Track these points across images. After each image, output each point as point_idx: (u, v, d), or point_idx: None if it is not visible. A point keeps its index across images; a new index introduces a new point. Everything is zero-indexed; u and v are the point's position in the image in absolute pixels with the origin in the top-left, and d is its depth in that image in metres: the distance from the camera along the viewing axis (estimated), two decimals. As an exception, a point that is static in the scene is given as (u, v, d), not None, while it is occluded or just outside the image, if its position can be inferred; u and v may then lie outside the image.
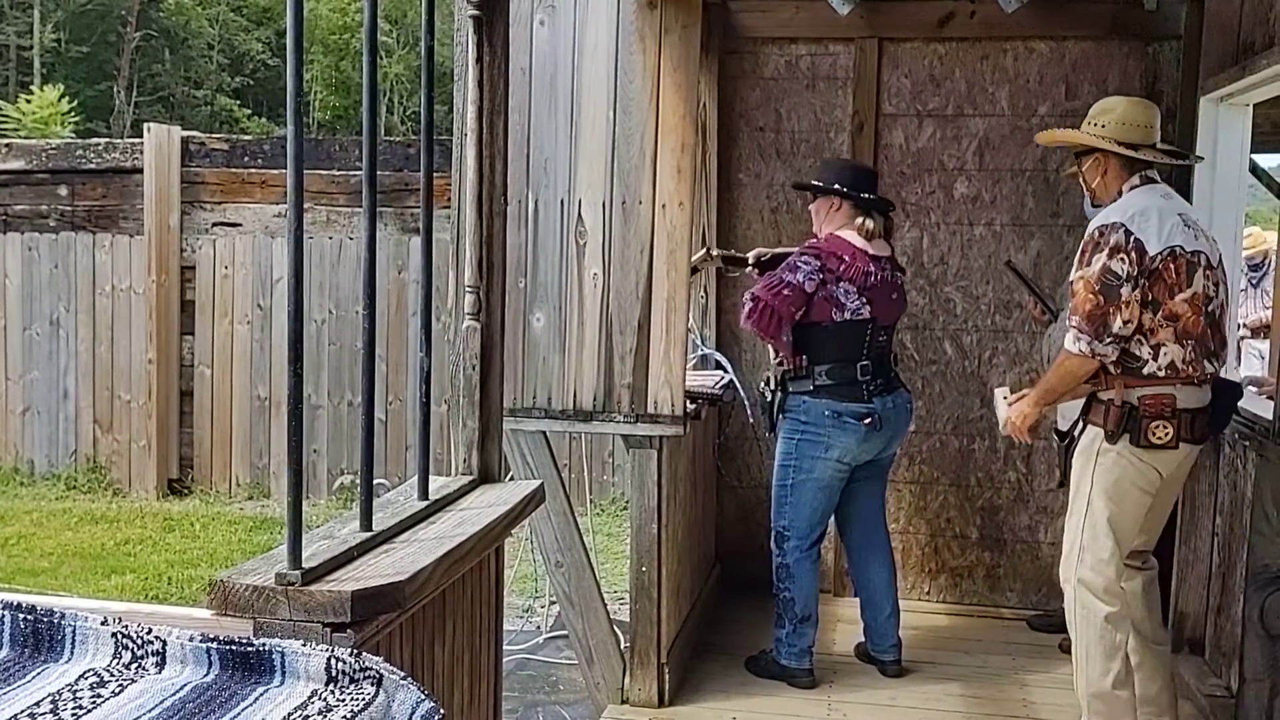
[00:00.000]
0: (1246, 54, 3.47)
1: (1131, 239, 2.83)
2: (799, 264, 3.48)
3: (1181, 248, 2.87)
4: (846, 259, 3.47)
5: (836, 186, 3.57)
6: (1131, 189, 3.00)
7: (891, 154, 4.40)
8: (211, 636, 1.27)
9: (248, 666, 1.28)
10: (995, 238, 4.39)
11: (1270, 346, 3.15)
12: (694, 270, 3.96)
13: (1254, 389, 3.63)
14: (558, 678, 4.01)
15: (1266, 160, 6.51)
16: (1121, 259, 2.82)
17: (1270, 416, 2.99)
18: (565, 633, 3.69)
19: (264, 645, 1.27)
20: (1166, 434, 2.88)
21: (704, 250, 4.03)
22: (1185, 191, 3.90)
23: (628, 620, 3.50)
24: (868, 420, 3.51)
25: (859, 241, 3.52)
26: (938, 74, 4.37)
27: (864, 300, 3.48)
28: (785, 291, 3.45)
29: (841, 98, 4.44)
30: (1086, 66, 4.27)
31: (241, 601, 1.36)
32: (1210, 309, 2.93)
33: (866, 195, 3.56)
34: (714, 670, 3.80)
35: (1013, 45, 4.32)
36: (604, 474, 7.15)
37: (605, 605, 3.56)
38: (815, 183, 3.69)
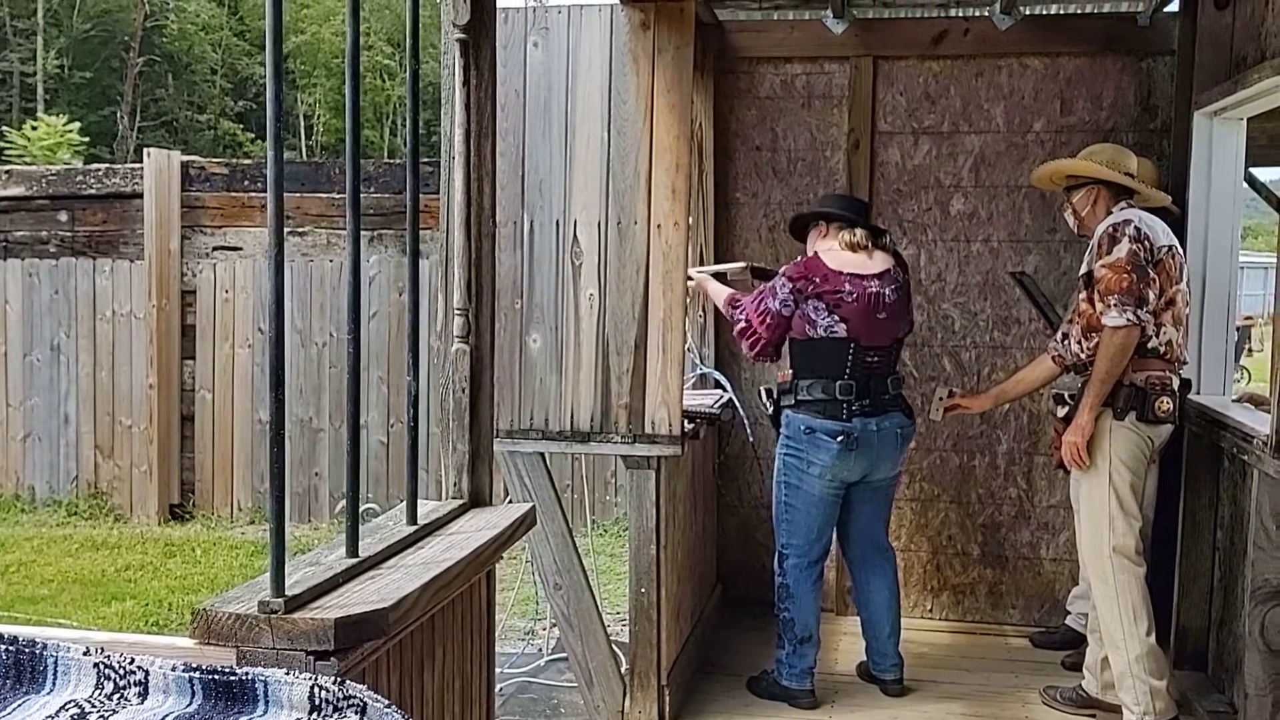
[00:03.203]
0: (1239, 68, 3.47)
1: (1142, 233, 3.25)
2: (777, 289, 3.51)
3: (1175, 249, 3.34)
4: (817, 279, 3.47)
5: (818, 209, 3.64)
6: (1119, 209, 3.40)
7: (888, 171, 4.40)
8: (194, 666, 1.26)
9: (230, 696, 1.26)
10: (992, 254, 4.38)
11: (1270, 363, 3.16)
12: (724, 277, 3.99)
13: (1250, 405, 3.62)
14: (559, 700, 3.98)
15: (1265, 174, 6.49)
16: (1139, 246, 3.23)
17: (1269, 431, 2.97)
18: (566, 655, 3.66)
19: (247, 674, 1.26)
20: (1169, 409, 3.29)
21: (740, 264, 4.05)
22: (1180, 204, 3.91)
23: (628, 642, 3.48)
24: (840, 439, 3.47)
25: (837, 261, 3.48)
26: (933, 91, 4.38)
27: (837, 318, 3.45)
28: (768, 320, 3.50)
29: (837, 116, 4.45)
30: (1081, 82, 4.28)
31: (224, 630, 1.35)
32: (1188, 311, 3.43)
33: (849, 215, 3.57)
34: (715, 691, 3.77)
35: (1007, 62, 4.32)
36: (606, 494, 7.12)
37: (605, 627, 3.54)
38: (799, 213, 3.76)
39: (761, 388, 3.80)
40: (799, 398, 3.53)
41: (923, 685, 3.81)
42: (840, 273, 3.47)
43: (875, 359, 3.53)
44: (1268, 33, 3.25)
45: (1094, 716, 3.54)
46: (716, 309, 4.12)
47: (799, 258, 3.66)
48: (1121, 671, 3.29)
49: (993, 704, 3.70)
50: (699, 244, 4.45)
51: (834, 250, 3.54)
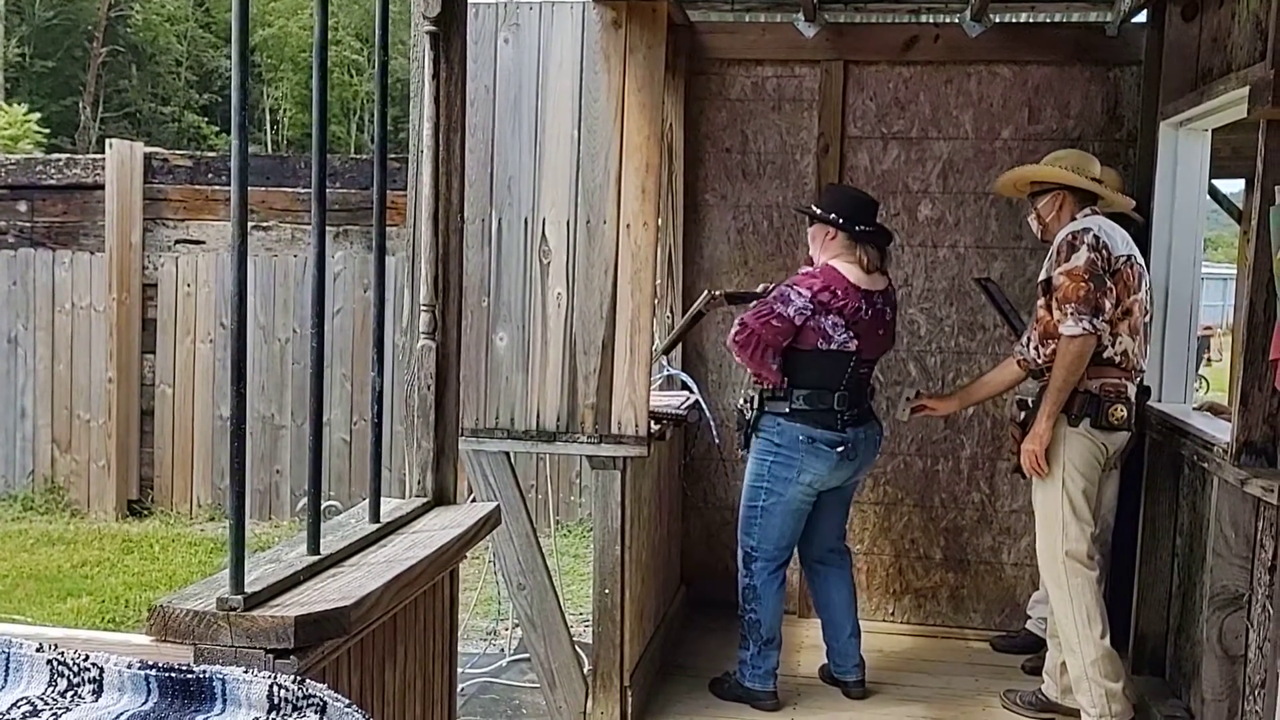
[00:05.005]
0: (1205, 80, 3.52)
1: (1100, 241, 3.27)
2: (791, 296, 3.45)
3: (1135, 258, 3.36)
4: (839, 294, 3.44)
5: (832, 216, 3.53)
6: (1084, 215, 3.43)
7: (856, 176, 4.42)
8: (150, 663, 1.23)
9: (187, 694, 1.24)
10: (959, 260, 4.42)
11: (1229, 374, 3.21)
12: (699, 315, 3.95)
13: (1211, 414, 3.67)
14: (520, 701, 3.95)
15: (1227, 186, 6.60)
16: (1096, 255, 3.25)
17: (1229, 439, 3.01)
18: (528, 655, 3.64)
19: (204, 672, 1.24)
20: (1123, 416, 3.32)
21: (706, 293, 3.94)
22: (1145, 214, 3.95)
23: (591, 643, 3.47)
24: (840, 449, 3.51)
25: (854, 275, 3.49)
26: (902, 97, 4.41)
27: (851, 334, 3.46)
28: (775, 322, 3.45)
29: (807, 120, 4.46)
30: (1049, 91, 4.32)
31: (181, 627, 1.32)
32: (1146, 320, 3.44)
33: (862, 228, 3.51)
34: (678, 693, 3.77)
35: (976, 69, 4.36)
36: (571, 494, 7.10)
37: (568, 628, 3.52)
38: (813, 209, 3.66)
39: (749, 392, 3.73)
40: (794, 406, 3.52)
41: (884, 688, 3.83)
42: (858, 289, 3.48)
43: (865, 371, 3.60)
44: (1233, 45, 3.30)
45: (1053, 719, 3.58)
46: (684, 310, 4.13)
47: (805, 268, 3.61)
48: (1078, 675, 3.32)
49: (953, 707, 3.73)
50: (668, 246, 4.45)
51: (848, 264, 3.51)
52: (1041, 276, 3.42)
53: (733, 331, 3.53)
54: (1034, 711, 3.63)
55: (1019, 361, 3.58)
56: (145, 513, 7.24)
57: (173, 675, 1.23)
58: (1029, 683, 3.80)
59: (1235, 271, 7.67)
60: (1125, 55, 4.24)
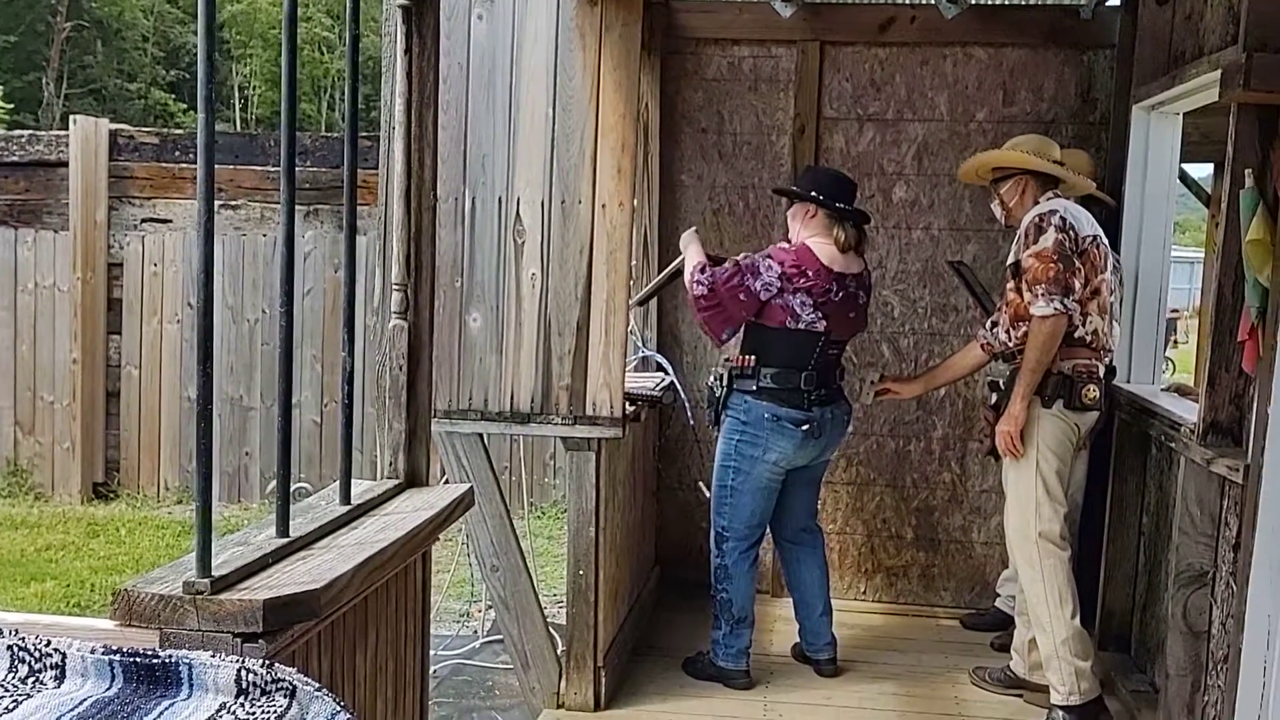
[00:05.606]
0: (1177, 64, 3.53)
1: (1067, 223, 3.29)
2: (761, 268, 3.44)
3: (1100, 238, 3.39)
4: (810, 274, 3.44)
5: (813, 194, 3.52)
6: (1047, 198, 3.45)
7: (832, 158, 4.41)
8: (115, 648, 1.21)
9: (153, 679, 1.22)
10: (933, 242, 4.42)
11: (1196, 356, 3.25)
12: (678, 273, 3.89)
13: (1178, 395, 3.70)
14: (494, 682, 3.95)
15: (1196, 170, 6.64)
16: (1064, 236, 3.27)
17: (1196, 419, 3.04)
18: (501, 637, 3.63)
19: (170, 657, 1.21)
20: (1095, 396, 3.34)
21: (672, 267, 3.88)
22: (1117, 198, 3.97)
23: (565, 624, 3.46)
24: (805, 427, 3.51)
25: (828, 256, 3.48)
26: (878, 78, 4.39)
27: (819, 315, 3.46)
28: (741, 296, 3.43)
29: (783, 100, 4.45)
30: (1024, 73, 4.32)
31: (147, 611, 1.30)
32: (1114, 300, 3.48)
33: (841, 205, 3.51)
34: (652, 672, 3.77)
35: (952, 51, 4.35)
36: (545, 476, 7.09)
37: (542, 609, 3.51)
38: (793, 189, 3.66)
39: (718, 370, 3.73)
40: (760, 385, 3.51)
41: (856, 665, 3.86)
42: (830, 270, 3.47)
43: (834, 352, 3.60)
44: (1206, 29, 3.31)
45: (1021, 696, 3.61)
46: (662, 281, 4.07)
47: (782, 243, 3.61)
48: (1049, 654, 3.35)
49: (924, 684, 3.76)
50: (643, 226, 4.43)
51: (825, 244, 3.50)
52: (1010, 260, 3.43)
53: (699, 290, 3.46)
54: (1002, 688, 3.66)
55: (983, 345, 3.59)
56: (111, 496, 7.16)
57: (138, 660, 1.21)
58: (998, 660, 3.83)
59: (1202, 255, 7.75)
60: (1099, 38, 4.24)
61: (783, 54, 4.44)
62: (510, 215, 3.34)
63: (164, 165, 7.16)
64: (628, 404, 3.43)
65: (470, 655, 4.13)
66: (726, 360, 3.64)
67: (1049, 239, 3.26)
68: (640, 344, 4.43)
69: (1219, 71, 2.94)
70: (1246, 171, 2.82)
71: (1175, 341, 14.94)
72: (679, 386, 4.19)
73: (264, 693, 1.19)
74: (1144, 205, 3.94)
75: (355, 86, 1.70)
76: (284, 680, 1.19)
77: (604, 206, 3.29)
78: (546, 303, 3.33)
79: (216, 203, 7.28)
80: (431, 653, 1.91)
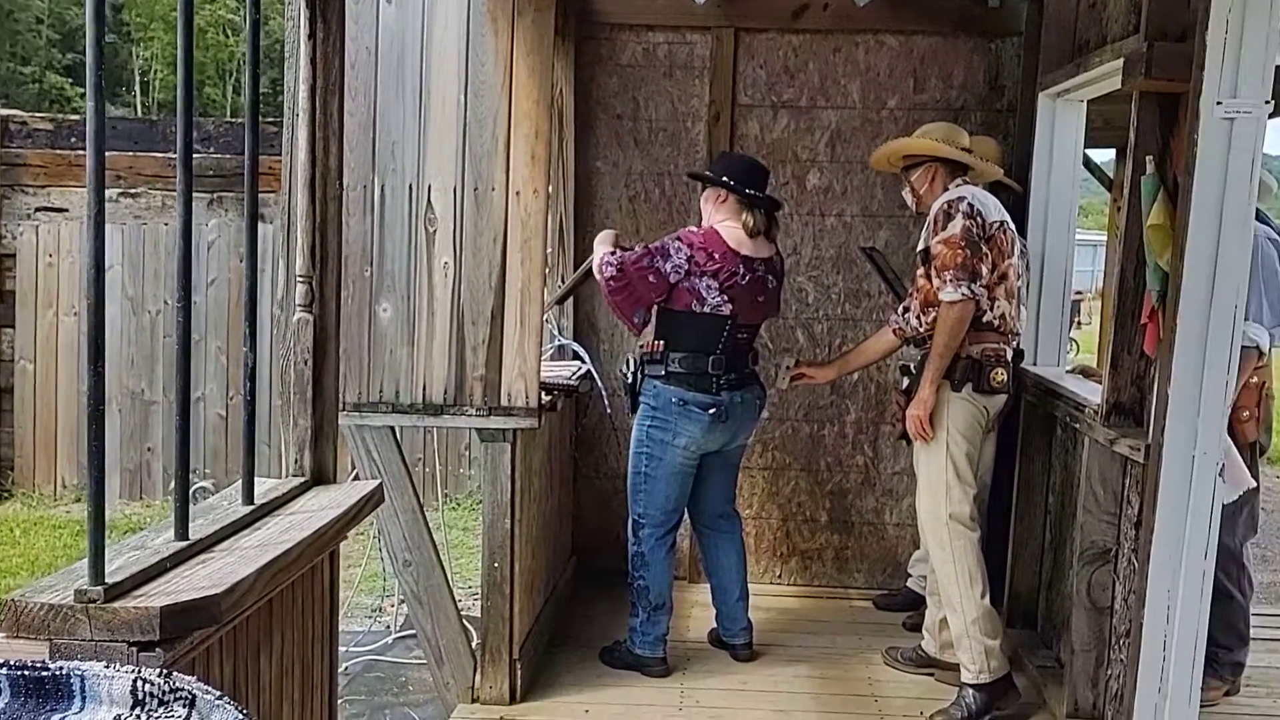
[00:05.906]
0: (1081, 52, 3.61)
1: (975, 209, 3.35)
2: (671, 250, 3.45)
3: (1007, 223, 3.44)
4: (716, 256, 3.45)
5: (724, 179, 3.53)
6: (956, 185, 3.51)
7: (747, 144, 4.42)
8: (1, 661, 1.15)
9: (42, 693, 1.16)
10: (846, 228, 4.47)
11: (1099, 338, 3.33)
12: (590, 272, 3.84)
13: (1082, 377, 3.80)
14: (407, 678, 3.90)
15: (1099, 155, 6.83)
16: (971, 222, 3.33)
17: (1099, 401, 3.12)
18: (415, 632, 3.58)
19: (61, 669, 1.16)
20: (1003, 379, 3.41)
21: (585, 267, 3.84)
22: (1023, 184, 4.06)
23: (480, 617, 3.42)
24: (712, 411, 3.52)
25: (735, 239, 3.49)
26: (792, 65, 4.42)
27: (725, 298, 3.47)
28: (651, 278, 3.44)
29: (699, 87, 4.44)
30: (934, 61, 4.38)
31: (35, 622, 1.24)
32: (1020, 284, 3.53)
33: (751, 191, 3.52)
34: (569, 664, 3.76)
35: (864, 39, 4.39)
36: (460, 467, 7.01)
37: (455, 603, 3.47)
38: (705, 173, 3.67)
39: (628, 356, 3.73)
40: (669, 369, 3.52)
41: (771, 649, 3.89)
42: (737, 253, 3.48)
43: (744, 336, 3.59)
44: (1109, 18, 3.39)
45: (933, 675, 3.68)
46: (577, 279, 4.06)
47: (693, 226, 3.61)
48: (959, 633, 3.42)
49: (838, 665, 3.81)
50: (559, 213, 4.39)
51: (733, 228, 3.51)
52: (920, 246, 3.48)
53: (609, 271, 3.45)
54: (914, 667, 3.73)
55: (895, 330, 3.64)
56: (5, 495, 6.88)
57: (25, 673, 1.15)
58: (910, 639, 3.91)
59: (1105, 238, 7.97)
60: (1006, 27, 4.33)
61: (698, 40, 4.43)
62: (421, 203, 3.27)
63: (59, 152, 6.88)
64: (544, 394, 3.40)
65: (383, 651, 4.07)
66: (641, 346, 3.63)
67: (957, 225, 3.31)
68: (556, 332, 4.39)
69: (1121, 60, 3.02)
70: (1148, 158, 2.89)
71: (1079, 323, 15.37)
72: (595, 375, 4.17)
73: (161, 703, 1.14)
74: (1049, 191, 4.03)
75: (256, 72, 1.64)
76: (183, 690, 1.14)
77: (518, 194, 3.25)
78: (460, 292, 3.28)
79: (115, 190, 7.03)
80: (343, 649, 1.87)
